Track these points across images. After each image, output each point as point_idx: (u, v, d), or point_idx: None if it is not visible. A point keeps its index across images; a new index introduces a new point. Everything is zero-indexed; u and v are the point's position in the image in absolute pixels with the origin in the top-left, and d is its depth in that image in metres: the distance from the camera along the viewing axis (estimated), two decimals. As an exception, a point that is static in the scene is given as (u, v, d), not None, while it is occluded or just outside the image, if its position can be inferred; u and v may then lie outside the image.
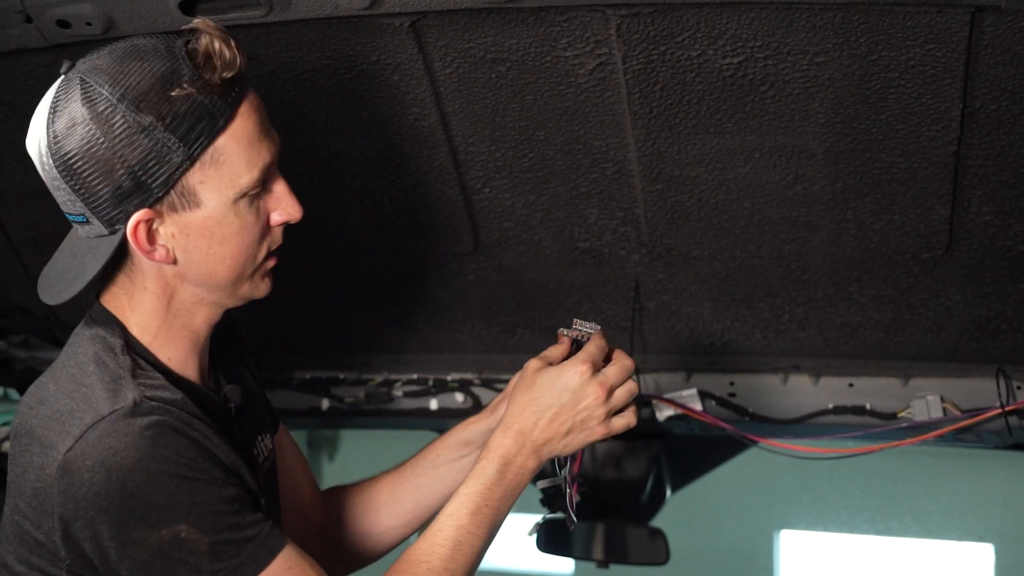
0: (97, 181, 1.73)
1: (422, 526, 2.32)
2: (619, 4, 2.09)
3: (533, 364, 2.00)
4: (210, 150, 1.75)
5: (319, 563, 1.91)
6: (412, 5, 2.11)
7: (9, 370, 3.31)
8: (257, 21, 2.14)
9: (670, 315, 2.89)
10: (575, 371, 1.96)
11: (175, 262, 1.82)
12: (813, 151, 2.38)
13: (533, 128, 2.43)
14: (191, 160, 1.74)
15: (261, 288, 1.93)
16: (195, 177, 1.76)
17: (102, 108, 1.70)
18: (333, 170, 2.60)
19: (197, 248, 1.81)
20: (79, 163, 1.72)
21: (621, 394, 1.99)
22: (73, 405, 1.76)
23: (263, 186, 1.84)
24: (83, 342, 1.86)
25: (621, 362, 2.00)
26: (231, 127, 1.76)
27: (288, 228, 1.92)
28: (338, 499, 2.35)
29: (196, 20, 1.77)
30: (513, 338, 3.03)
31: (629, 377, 2.00)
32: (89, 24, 2.14)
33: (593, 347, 2.00)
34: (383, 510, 2.30)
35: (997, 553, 6.36)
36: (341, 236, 2.78)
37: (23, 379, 3.25)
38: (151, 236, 1.78)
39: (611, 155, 2.47)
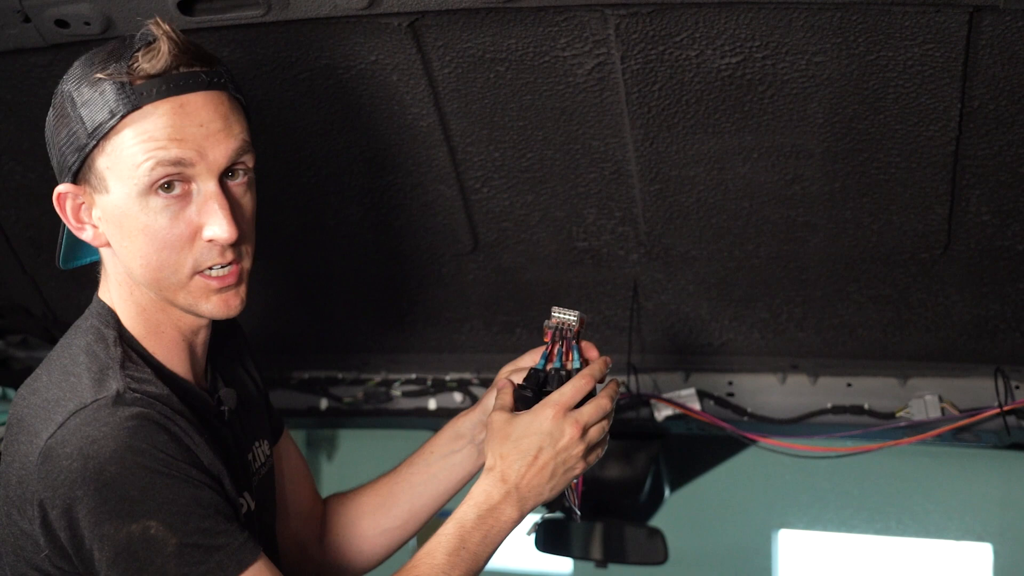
0: (52, 145, 1.83)
1: (419, 530, 2.32)
2: (617, 4, 2.09)
3: (498, 416, 1.98)
4: (111, 137, 1.77)
5: (320, 571, 1.90)
6: (410, 5, 2.11)
7: (8, 369, 3.32)
8: (255, 21, 2.14)
9: (668, 315, 2.89)
10: (547, 413, 1.94)
11: (107, 245, 1.86)
12: (811, 151, 2.38)
13: (531, 128, 2.43)
14: (95, 142, 1.77)
15: (204, 307, 1.86)
16: (103, 161, 1.78)
17: (65, 83, 1.80)
18: (332, 170, 2.60)
19: (114, 236, 1.83)
20: (48, 124, 1.83)
21: (595, 432, 1.97)
22: (60, 394, 1.77)
23: (182, 190, 1.79)
24: (79, 332, 1.88)
25: (597, 402, 1.97)
26: (135, 117, 1.75)
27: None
28: (337, 505, 2.34)
29: (154, 19, 1.78)
30: (512, 338, 3.03)
31: (604, 417, 1.98)
32: (87, 24, 2.14)
33: (569, 389, 1.97)
34: (379, 512, 2.30)
35: (995, 552, 6.37)
36: (339, 236, 2.78)
37: (21, 378, 3.24)
38: (76, 212, 1.84)
39: (609, 155, 2.47)
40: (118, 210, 1.80)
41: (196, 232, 1.81)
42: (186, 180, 1.78)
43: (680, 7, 2.09)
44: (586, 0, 2.09)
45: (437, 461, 2.25)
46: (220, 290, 1.85)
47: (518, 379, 2.09)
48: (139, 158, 1.76)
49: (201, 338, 1.96)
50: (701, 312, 2.87)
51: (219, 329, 2.00)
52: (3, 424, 3.12)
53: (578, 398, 1.96)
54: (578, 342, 2.07)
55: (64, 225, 1.88)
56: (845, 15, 2.07)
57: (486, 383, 3.17)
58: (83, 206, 1.83)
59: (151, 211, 1.78)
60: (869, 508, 6.52)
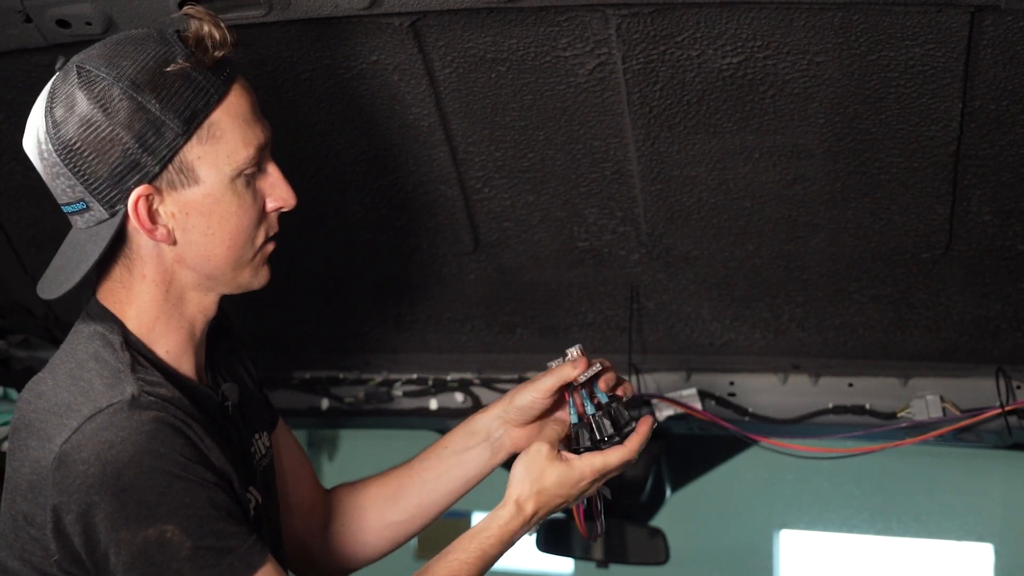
0: (97, 161, 1.75)
1: (427, 526, 2.33)
2: (619, 4, 2.09)
3: (542, 450, 2.00)
4: (206, 125, 1.78)
5: (321, 562, 1.94)
6: (412, 5, 2.11)
7: (9, 369, 3.32)
8: (257, 21, 2.14)
9: (669, 315, 2.89)
10: (585, 474, 2.00)
11: (175, 243, 1.83)
12: (813, 151, 2.38)
13: (533, 128, 2.43)
14: (187, 135, 1.76)
15: (261, 276, 1.94)
16: (193, 153, 1.78)
17: (99, 88, 1.74)
18: (333, 170, 2.60)
19: (196, 227, 1.83)
20: (79, 145, 1.75)
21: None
22: (71, 398, 1.76)
23: (258, 168, 1.86)
24: (82, 339, 1.87)
25: (624, 462, 2.03)
26: (226, 103, 1.80)
27: (285, 219, 1.94)
28: (344, 496, 2.34)
29: (186, 8, 1.80)
30: (513, 338, 3.03)
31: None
32: (89, 24, 2.14)
33: (615, 459, 2.01)
34: (387, 505, 2.29)
35: (996, 553, 6.37)
36: (341, 236, 2.78)
37: (23, 378, 3.24)
38: (152, 214, 1.80)
39: (611, 155, 2.47)
40: (210, 199, 1.82)
41: (264, 204, 1.90)
42: None
43: (681, 7, 2.09)
44: (587, 0, 2.09)
45: (450, 457, 2.25)
46: (267, 260, 1.95)
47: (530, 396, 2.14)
48: (238, 143, 1.81)
49: (203, 335, 1.97)
50: (702, 312, 2.87)
51: (213, 325, 2.01)
52: (4, 424, 3.13)
53: (621, 469, 2.03)
54: (596, 377, 2.09)
55: (96, 251, 1.81)
56: (846, 15, 2.07)
57: (487, 383, 3.16)
58: (154, 208, 1.81)
59: (240, 192, 1.84)
60: (870, 508, 6.52)
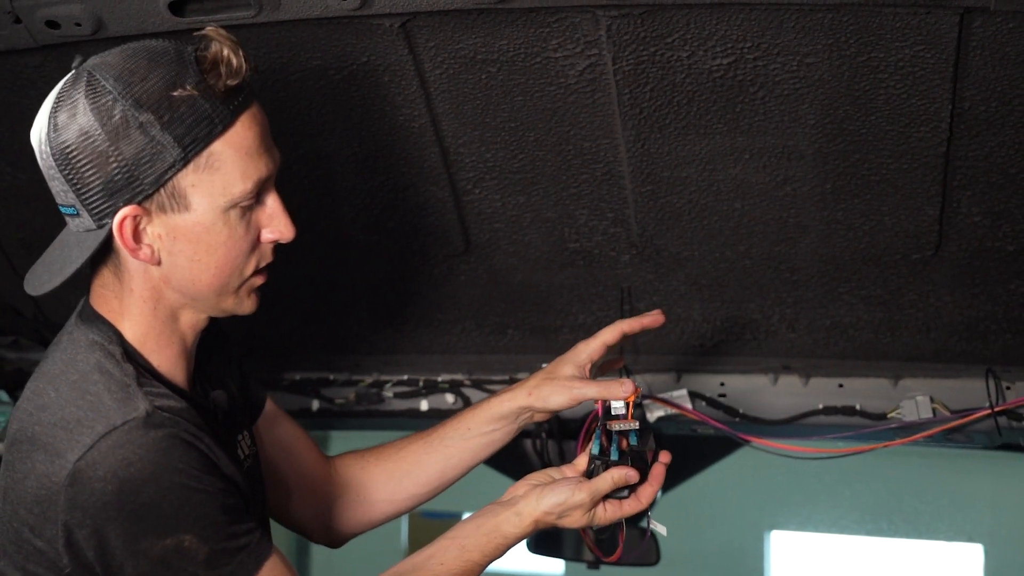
0: (90, 173, 1.74)
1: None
2: (609, 5, 2.09)
3: (586, 502, 2.01)
4: (205, 154, 1.76)
5: (323, 536, 2.16)
6: (402, 6, 2.11)
7: (-1, 371, 3.31)
8: (246, 22, 2.14)
9: (660, 316, 2.89)
10: (591, 523, 2.04)
11: (159, 263, 1.83)
12: (803, 152, 2.38)
13: (523, 129, 2.43)
14: (184, 161, 1.75)
15: (246, 305, 1.94)
16: (187, 180, 1.76)
17: (103, 101, 1.73)
18: (323, 171, 2.59)
19: (182, 252, 1.82)
20: (75, 153, 1.74)
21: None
22: (80, 414, 1.76)
23: (256, 199, 1.85)
24: (80, 348, 1.86)
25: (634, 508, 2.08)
26: (229, 134, 1.77)
27: (279, 245, 1.92)
28: (356, 469, 2.36)
29: (208, 28, 1.79)
30: (503, 339, 3.03)
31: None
32: (78, 25, 2.13)
33: (628, 509, 2.07)
34: (408, 478, 2.32)
35: (986, 553, 6.39)
36: (331, 237, 2.78)
37: (13, 380, 3.25)
38: (137, 234, 1.79)
39: (601, 156, 2.47)
40: (199, 227, 1.80)
41: (258, 235, 1.88)
42: None
43: (671, 8, 2.09)
44: (578, 1, 2.09)
45: (474, 437, 2.27)
46: (258, 287, 1.94)
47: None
48: (236, 176, 1.79)
49: (194, 345, 1.97)
50: (693, 313, 2.87)
51: (204, 332, 2.00)
52: (-2, 427, 3.12)
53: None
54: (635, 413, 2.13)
55: (81, 258, 1.82)
56: (836, 16, 2.07)
57: (478, 384, 3.16)
58: (140, 227, 1.80)
59: (232, 223, 1.82)
60: (861, 509, 6.54)
